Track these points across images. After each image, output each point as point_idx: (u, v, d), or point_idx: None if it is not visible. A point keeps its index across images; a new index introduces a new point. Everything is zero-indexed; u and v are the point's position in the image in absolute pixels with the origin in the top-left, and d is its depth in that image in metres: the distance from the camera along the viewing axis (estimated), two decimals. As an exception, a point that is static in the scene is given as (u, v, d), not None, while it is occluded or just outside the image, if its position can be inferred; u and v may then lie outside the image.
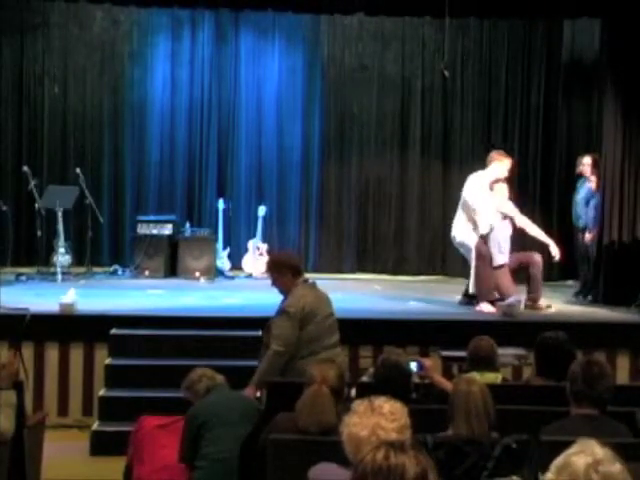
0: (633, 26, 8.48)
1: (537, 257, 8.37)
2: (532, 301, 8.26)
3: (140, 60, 11.03)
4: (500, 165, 8.31)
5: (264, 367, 5.33)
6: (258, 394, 5.68)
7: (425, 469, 2.08)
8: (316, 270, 10.45)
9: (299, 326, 5.25)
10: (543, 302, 8.31)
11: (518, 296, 8.02)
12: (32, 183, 9.83)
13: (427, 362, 4.97)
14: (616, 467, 2.15)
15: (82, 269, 9.99)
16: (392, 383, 4.26)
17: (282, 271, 5.52)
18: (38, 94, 10.96)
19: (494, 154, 8.44)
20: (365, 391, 3.97)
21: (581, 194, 9.20)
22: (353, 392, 4.58)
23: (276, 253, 6.07)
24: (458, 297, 8.58)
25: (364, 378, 5.25)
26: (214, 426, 4.60)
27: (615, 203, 8.62)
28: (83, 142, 11.02)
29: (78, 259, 10.14)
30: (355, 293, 8.95)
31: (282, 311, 5.32)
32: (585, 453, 2.17)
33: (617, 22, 8.69)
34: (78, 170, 10.12)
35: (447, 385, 4.63)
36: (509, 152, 10.92)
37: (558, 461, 2.19)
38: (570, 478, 2.13)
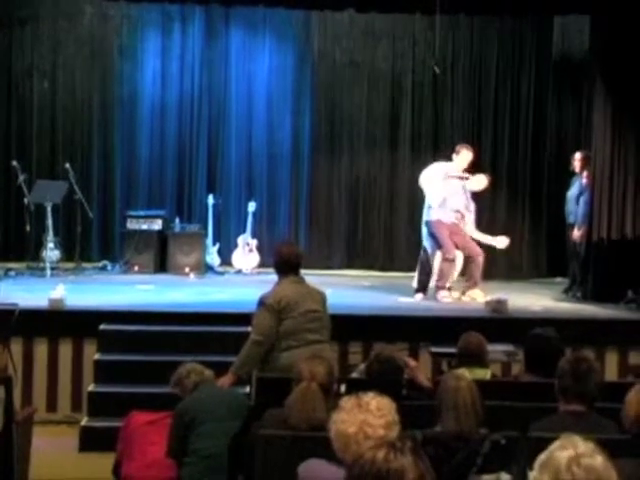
0: (622, 23, 8.51)
1: (479, 257, 8.59)
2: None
3: (130, 55, 11.01)
4: (457, 157, 8.68)
5: (242, 356, 5.35)
6: (247, 389, 5.69)
7: (423, 475, 2.07)
8: (305, 266, 10.41)
9: (276, 318, 5.25)
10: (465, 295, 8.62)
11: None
12: (21, 178, 9.80)
13: (412, 362, 4.97)
14: (597, 460, 2.15)
15: (71, 264, 9.98)
16: (385, 378, 4.27)
17: (274, 264, 5.57)
18: (27, 88, 10.92)
19: (457, 146, 8.83)
20: (355, 387, 3.98)
21: (573, 190, 9.23)
22: (343, 388, 4.58)
23: (280, 245, 6.03)
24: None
25: (354, 374, 5.26)
26: (203, 422, 4.59)
27: (604, 200, 8.65)
28: (72, 137, 10.99)
29: (67, 254, 10.12)
30: (344, 289, 8.96)
31: (260, 302, 5.35)
32: (567, 447, 2.17)
33: (606, 19, 8.70)
34: (67, 165, 10.10)
35: (428, 385, 4.67)
36: (499, 149, 11.06)
37: (541, 457, 2.20)
38: (553, 473, 2.14)
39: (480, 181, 8.77)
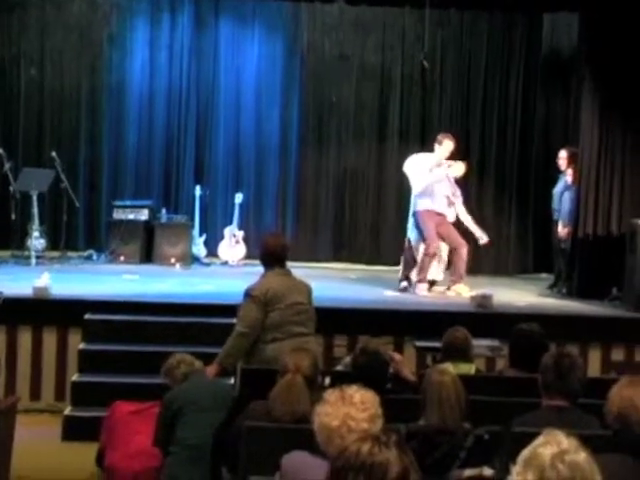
0: (610, 21, 8.53)
1: (463, 249, 8.65)
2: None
3: (119, 43, 10.95)
4: (440, 148, 8.73)
5: (227, 347, 5.34)
6: (232, 381, 5.69)
7: (407, 468, 2.07)
8: (291, 258, 10.39)
9: (263, 310, 5.25)
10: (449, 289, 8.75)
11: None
12: (7, 165, 9.74)
13: (397, 356, 4.98)
14: (581, 456, 2.17)
15: (57, 253, 9.94)
16: (370, 371, 4.28)
17: (260, 255, 5.56)
18: (14, 75, 10.85)
19: (438, 137, 8.87)
20: (339, 380, 3.98)
21: (558, 187, 9.28)
22: (327, 381, 4.59)
23: (267, 236, 6.01)
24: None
25: (339, 367, 5.27)
26: (190, 412, 4.60)
27: (590, 197, 8.68)
28: (59, 125, 10.94)
29: (53, 243, 10.07)
30: (330, 282, 8.96)
31: (246, 294, 5.35)
32: (551, 444, 2.18)
33: (595, 17, 8.72)
34: (54, 153, 10.04)
35: (412, 379, 4.68)
36: (487, 144, 11.08)
37: (525, 453, 2.20)
38: (537, 470, 2.15)
39: (459, 168, 8.80)
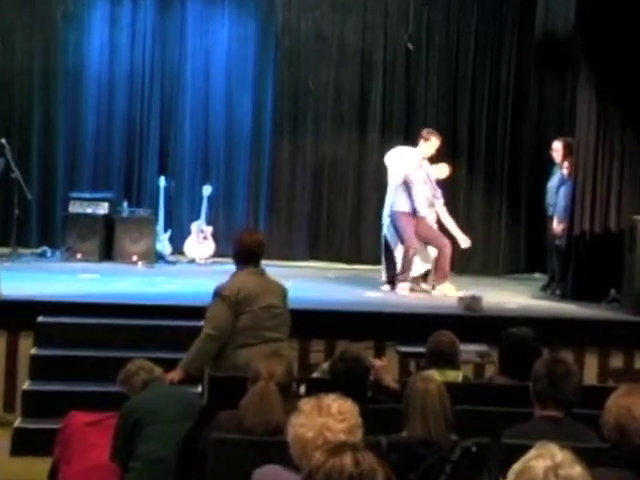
0: (609, 2, 8.57)
1: (446, 248, 8.80)
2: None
3: (75, 22, 10.88)
4: (426, 144, 8.93)
5: (193, 350, 5.34)
6: (199, 389, 5.68)
7: (389, 472, 2.09)
8: (265, 256, 10.38)
9: (233, 312, 5.24)
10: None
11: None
12: (-48, 154, 9.68)
13: (378, 362, 5.00)
14: (576, 470, 2.18)
15: (7, 250, 9.87)
16: (349, 378, 4.29)
17: (234, 253, 5.55)
18: (-40, 56, 10.76)
19: (424, 132, 9.06)
20: (316, 388, 3.98)
21: (553, 181, 9.31)
22: (302, 389, 4.59)
23: (242, 232, 6.01)
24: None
25: (315, 374, 5.28)
26: (151, 423, 4.58)
27: (587, 191, 8.73)
28: (10, 110, 10.85)
29: (2, 239, 10.02)
30: (307, 282, 8.97)
31: (215, 294, 5.34)
32: (544, 457, 2.20)
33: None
34: (3, 140, 9.97)
35: (395, 387, 4.70)
36: (477, 133, 11.12)
37: (517, 466, 2.22)
38: None
39: (443, 169, 9.05)
